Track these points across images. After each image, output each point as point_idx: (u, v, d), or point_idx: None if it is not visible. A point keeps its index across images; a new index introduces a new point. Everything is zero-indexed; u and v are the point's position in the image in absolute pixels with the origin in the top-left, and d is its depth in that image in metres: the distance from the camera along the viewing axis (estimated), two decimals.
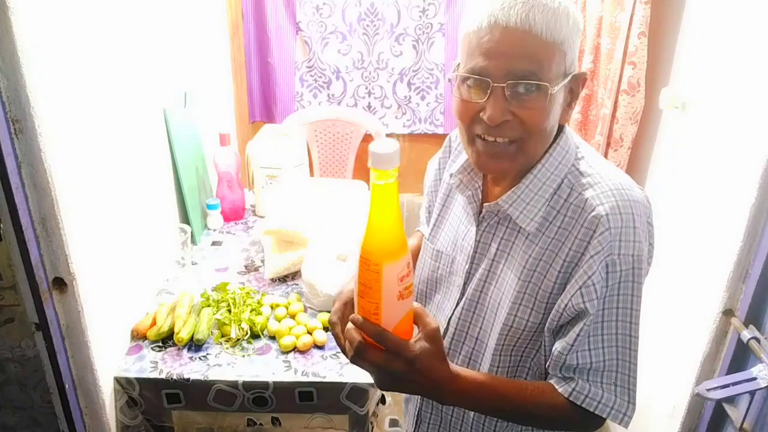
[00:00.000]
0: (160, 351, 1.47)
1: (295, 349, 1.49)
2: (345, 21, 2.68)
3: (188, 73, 1.98)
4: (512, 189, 0.86)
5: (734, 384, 1.16)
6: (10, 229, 1.11)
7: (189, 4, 2.00)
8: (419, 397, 1.04)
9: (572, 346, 0.81)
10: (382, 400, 1.48)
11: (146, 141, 1.66)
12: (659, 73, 1.65)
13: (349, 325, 0.74)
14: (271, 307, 1.62)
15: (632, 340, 0.82)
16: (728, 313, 1.29)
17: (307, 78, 2.82)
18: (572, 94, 0.82)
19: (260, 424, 1.48)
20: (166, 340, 1.50)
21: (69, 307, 1.23)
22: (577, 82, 0.81)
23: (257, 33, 2.71)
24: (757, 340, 1.18)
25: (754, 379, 1.14)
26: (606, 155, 1.69)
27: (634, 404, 0.83)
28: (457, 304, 0.95)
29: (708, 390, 1.18)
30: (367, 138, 2.83)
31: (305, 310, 1.62)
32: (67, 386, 1.27)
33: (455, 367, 0.79)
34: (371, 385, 1.38)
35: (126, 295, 1.51)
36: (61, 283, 1.20)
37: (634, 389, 0.83)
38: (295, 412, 1.45)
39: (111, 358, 1.40)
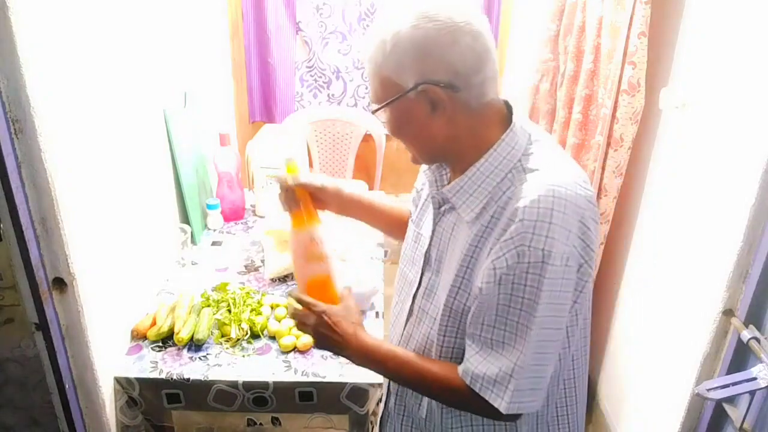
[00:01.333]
0: (160, 351, 1.47)
1: (295, 349, 1.49)
2: (345, 21, 2.68)
3: (188, 73, 1.99)
4: (456, 180, 0.91)
5: (734, 384, 1.16)
6: (10, 229, 1.11)
7: (189, 5, 2.00)
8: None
9: (472, 316, 0.87)
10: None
11: (146, 141, 1.66)
12: (659, 73, 1.65)
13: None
14: (271, 307, 1.62)
15: (531, 334, 0.83)
16: (728, 313, 1.29)
17: (307, 78, 2.82)
18: (434, 104, 0.85)
19: (260, 424, 1.48)
20: (166, 340, 1.50)
21: (69, 307, 1.23)
22: (431, 94, 0.84)
23: (257, 33, 2.71)
24: (757, 340, 1.18)
25: (754, 379, 1.14)
26: (606, 155, 1.69)
27: (514, 399, 0.84)
28: (420, 284, 1.01)
29: (708, 390, 1.18)
30: (367, 138, 2.83)
31: None
32: (67, 386, 1.27)
33: (360, 329, 1.00)
34: (371, 385, 1.38)
35: (126, 295, 1.51)
36: (61, 283, 1.20)
37: (520, 386, 0.84)
38: (295, 412, 1.45)
39: (111, 358, 1.40)
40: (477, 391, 0.87)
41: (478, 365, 0.87)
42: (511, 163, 0.87)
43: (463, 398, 0.90)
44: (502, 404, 0.85)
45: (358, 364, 1.02)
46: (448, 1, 0.82)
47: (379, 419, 1.17)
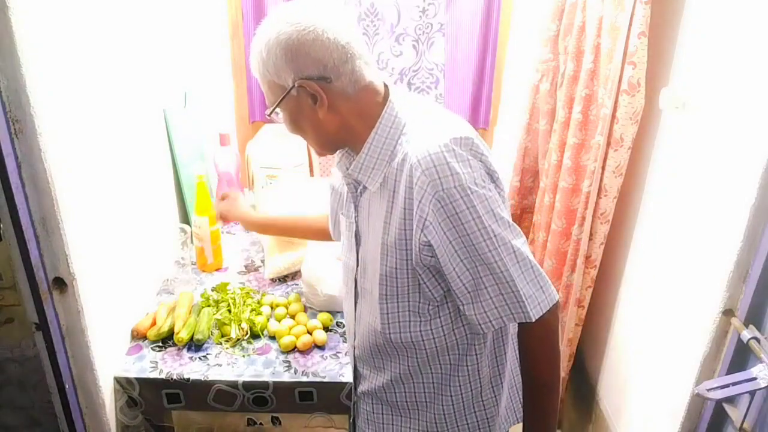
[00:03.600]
0: (160, 351, 1.47)
1: (295, 349, 1.49)
2: None
3: (188, 73, 1.99)
4: (356, 159, 1.00)
5: (734, 384, 1.16)
6: (10, 229, 1.11)
7: (189, 5, 2.00)
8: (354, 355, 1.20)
9: (449, 277, 0.94)
10: None
11: (146, 141, 1.66)
12: (659, 73, 1.65)
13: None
14: (271, 307, 1.62)
15: (494, 254, 0.91)
16: (728, 313, 1.29)
17: None
18: (314, 97, 0.93)
19: (260, 423, 1.48)
20: (166, 340, 1.50)
21: (69, 307, 1.23)
22: (308, 88, 0.92)
23: None
24: (757, 340, 1.18)
25: (754, 379, 1.14)
26: (606, 155, 1.69)
27: (531, 305, 0.93)
28: (357, 265, 1.09)
29: (708, 390, 1.18)
30: None
31: (305, 310, 1.62)
32: (67, 386, 1.27)
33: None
34: None
35: (126, 295, 1.51)
36: (61, 283, 1.20)
37: (527, 292, 0.93)
38: (295, 412, 1.45)
39: (111, 358, 1.40)
40: (503, 325, 0.95)
41: (485, 311, 0.94)
42: (398, 131, 0.96)
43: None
44: (527, 316, 0.93)
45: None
46: (307, 6, 0.92)
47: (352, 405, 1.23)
